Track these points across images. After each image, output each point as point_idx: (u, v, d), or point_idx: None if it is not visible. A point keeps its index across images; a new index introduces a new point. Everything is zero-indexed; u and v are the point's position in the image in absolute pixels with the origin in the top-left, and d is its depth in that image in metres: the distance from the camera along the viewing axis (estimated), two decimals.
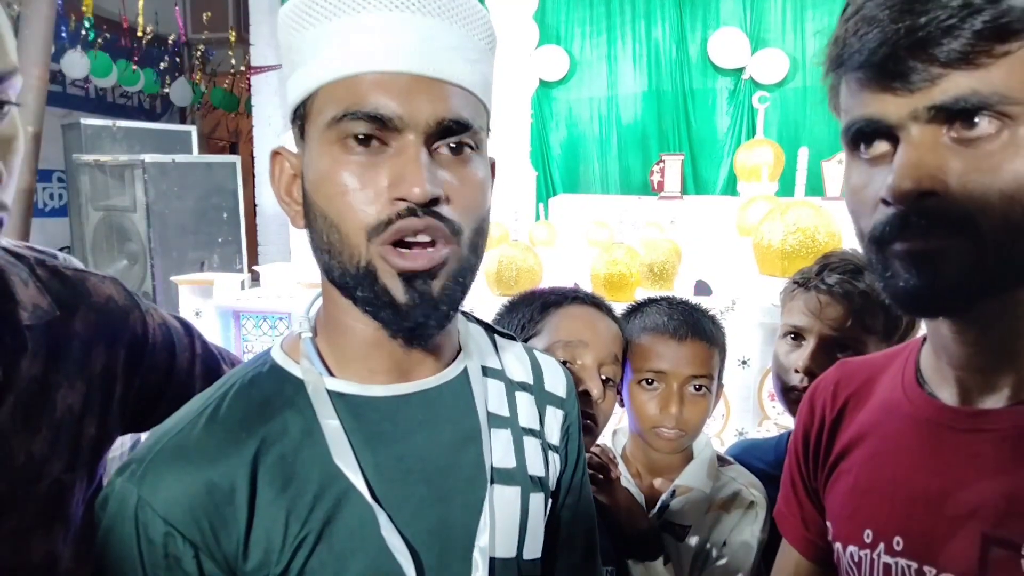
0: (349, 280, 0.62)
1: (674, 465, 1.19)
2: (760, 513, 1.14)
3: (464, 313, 0.78)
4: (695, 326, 1.16)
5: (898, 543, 0.69)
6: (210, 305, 2.90)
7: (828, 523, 0.80)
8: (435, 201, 0.59)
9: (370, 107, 0.58)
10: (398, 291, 0.61)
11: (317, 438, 0.63)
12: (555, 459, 0.78)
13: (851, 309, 1.12)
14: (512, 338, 0.82)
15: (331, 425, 0.63)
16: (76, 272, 0.79)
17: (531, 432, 0.75)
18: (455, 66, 0.61)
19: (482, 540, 0.66)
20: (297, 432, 0.63)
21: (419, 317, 0.61)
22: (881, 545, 0.71)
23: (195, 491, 0.59)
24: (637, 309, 1.24)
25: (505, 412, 0.73)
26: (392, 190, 0.59)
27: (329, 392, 0.65)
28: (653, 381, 1.14)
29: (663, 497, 1.15)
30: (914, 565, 0.67)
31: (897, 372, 0.76)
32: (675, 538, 1.13)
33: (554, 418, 0.78)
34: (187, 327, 0.93)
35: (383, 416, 0.66)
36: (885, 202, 0.59)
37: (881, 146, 0.60)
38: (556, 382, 0.81)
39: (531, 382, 0.78)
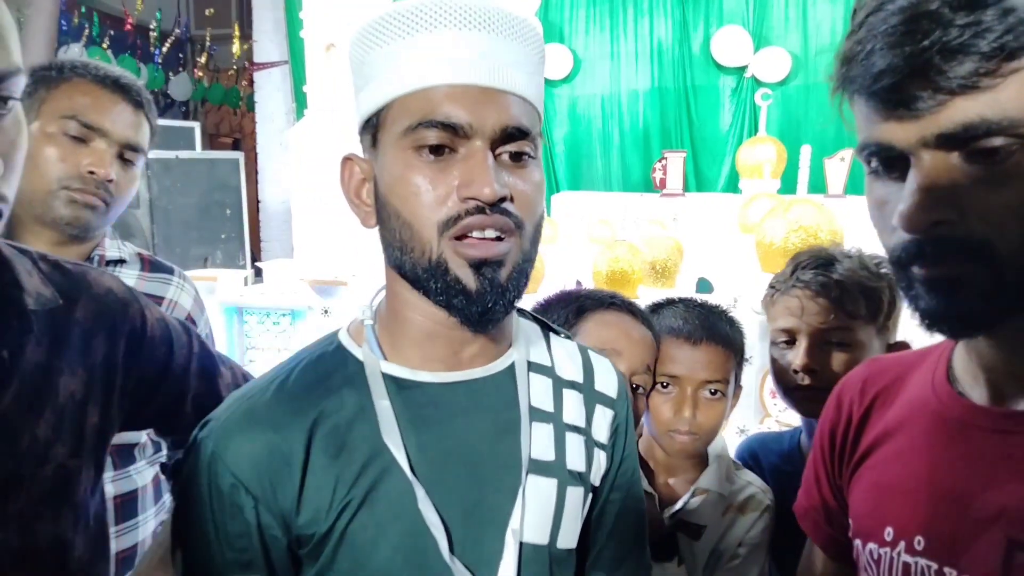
0: (421, 273, 0.67)
1: (688, 466, 1.18)
2: (771, 517, 1.14)
3: (520, 310, 0.81)
4: (710, 330, 1.14)
5: (919, 543, 0.67)
6: (213, 301, 2.90)
7: (850, 520, 0.78)
8: (502, 200, 0.65)
9: (442, 116, 0.64)
10: (469, 279, 0.66)
11: (369, 415, 0.69)
12: (601, 456, 0.80)
13: (831, 299, 1.14)
14: (568, 337, 0.85)
15: (382, 405, 0.69)
16: (76, 266, 0.82)
17: (576, 429, 0.78)
18: (516, 78, 0.67)
19: (514, 523, 0.71)
20: (352, 407, 0.70)
21: (488, 302, 0.67)
22: (902, 544, 0.69)
23: (259, 451, 0.67)
24: (656, 310, 1.23)
25: (549, 407, 0.76)
26: (462, 190, 0.65)
27: (383, 375, 0.71)
28: (668, 385, 1.14)
29: (683, 499, 1.14)
30: (934, 566, 0.66)
31: (928, 369, 0.73)
32: (690, 537, 1.12)
33: (603, 417, 0.81)
34: (186, 327, 0.95)
35: (429, 400, 0.71)
36: None
37: (896, 168, 0.60)
38: (607, 382, 0.83)
39: (581, 381, 0.80)
